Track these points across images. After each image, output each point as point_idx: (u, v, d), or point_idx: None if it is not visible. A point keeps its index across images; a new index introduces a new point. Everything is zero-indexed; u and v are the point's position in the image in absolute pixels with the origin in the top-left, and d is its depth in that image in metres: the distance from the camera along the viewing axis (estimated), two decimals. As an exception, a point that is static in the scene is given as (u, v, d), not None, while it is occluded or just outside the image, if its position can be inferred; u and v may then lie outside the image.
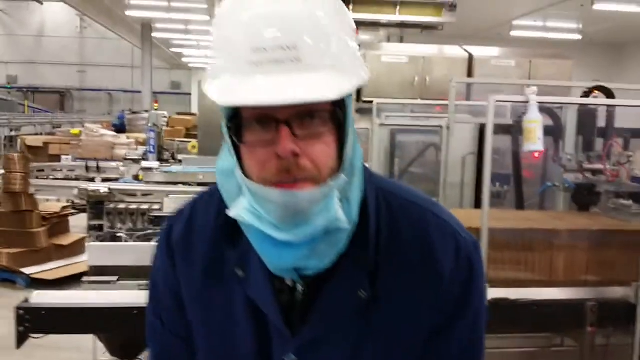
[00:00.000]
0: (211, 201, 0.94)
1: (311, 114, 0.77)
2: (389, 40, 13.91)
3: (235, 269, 0.88)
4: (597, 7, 10.34)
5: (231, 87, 0.74)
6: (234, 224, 0.85)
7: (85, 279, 3.16)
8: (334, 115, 0.79)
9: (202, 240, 0.93)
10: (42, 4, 23.88)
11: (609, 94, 3.27)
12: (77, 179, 8.91)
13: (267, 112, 0.75)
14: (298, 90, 0.72)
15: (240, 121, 0.78)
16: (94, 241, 3.57)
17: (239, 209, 0.80)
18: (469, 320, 0.92)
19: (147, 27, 16.06)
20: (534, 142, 2.63)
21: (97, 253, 3.29)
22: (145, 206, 6.98)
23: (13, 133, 13.73)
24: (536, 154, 3.74)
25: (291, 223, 0.78)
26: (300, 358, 0.87)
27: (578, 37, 13.43)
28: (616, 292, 2.91)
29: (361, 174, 0.87)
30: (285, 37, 0.73)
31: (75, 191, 7.07)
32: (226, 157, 0.84)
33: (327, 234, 0.80)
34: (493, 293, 2.60)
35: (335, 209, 0.79)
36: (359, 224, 0.86)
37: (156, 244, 1.01)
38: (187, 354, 0.98)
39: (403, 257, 0.87)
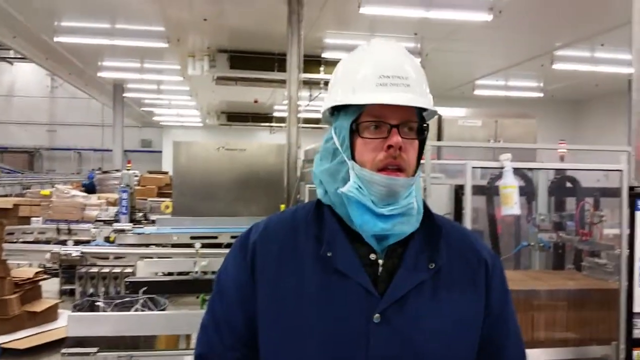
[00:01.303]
0: (282, 215, 1.24)
1: (410, 125, 1.13)
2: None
3: (325, 252, 1.12)
4: (556, 66, 10.84)
5: (367, 96, 1.11)
6: (320, 222, 1.16)
7: (64, 350, 3.09)
8: (420, 130, 1.15)
9: (279, 237, 1.18)
10: (12, 64, 23.88)
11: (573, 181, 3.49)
12: (47, 241, 8.72)
13: (382, 118, 1.11)
14: (412, 100, 1.10)
15: (359, 123, 1.13)
16: (72, 310, 3.49)
17: (349, 187, 1.11)
18: (511, 305, 1.25)
19: (119, 87, 16.14)
20: (511, 206, 2.73)
21: (77, 324, 3.23)
22: (118, 269, 6.87)
23: (-20, 195, 13.45)
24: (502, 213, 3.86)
25: (385, 201, 1.10)
26: (383, 317, 1.08)
27: (539, 95, 13.97)
28: (596, 351, 2.97)
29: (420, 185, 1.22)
30: (400, 71, 1.12)
31: (48, 255, 6.93)
32: (323, 164, 1.19)
33: (403, 215, 1.11)
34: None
35: (413, 197, 1.13)
36: (424, 219, 1.17)
37: (234, 247, 1.23)
38: (234, 342, 1.18)
39: (455, 244, 1.19)
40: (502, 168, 2.79)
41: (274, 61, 10.47)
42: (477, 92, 13.79)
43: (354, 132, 1.14)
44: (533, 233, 3.68)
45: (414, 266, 1.12)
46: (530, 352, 3.00)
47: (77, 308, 3.57)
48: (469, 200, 2.80)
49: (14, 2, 8.57)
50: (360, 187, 1.11)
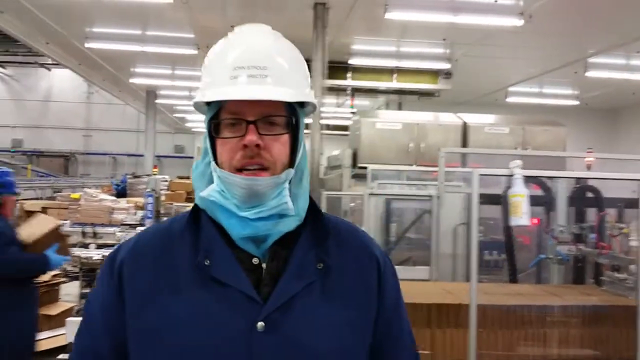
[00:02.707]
0: (157, 227, 1.15)
1: (272, 119, 1.04)
2: (387, 106, 14.12)
3: (202, 260, 1.03)
4: (590, 74, 10.53)
5: (216, 91, 1.03)
6: (196, 229, 1.08)
7: (61, 356, 3.06)
8: (289, 123, 1.06)
9: (151, 252, 1.08)
10: (49, 70, 24.49)
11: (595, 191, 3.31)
12: (74, 245, 8.81)
13: (239, 115, 1.03)
14: (263, 93, 1.01)
15: (219, 121, 1.05)
16: (75, 315, 3.46)
17: (210, 191, 1.04)
18: (403, 302, 1.21)
19: (151, 93, 16.35)
20: (520, 216, 2.58)
21: (75, 329, 3.19)
22: (139, 273, 6.87)
23: (13, 197, 13.70)
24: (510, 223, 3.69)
25: (249, 204, 1.02)
26: (268, 324, 1.00)
27: (575, 102, 13.59)
28: (612, 371, 2.79)
29: (307, 181, 1.12)
30: (258, 60, 1.03)
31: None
32: (198, 166, 1.10)
33: (280, 216, 1.04)
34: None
35: (285, 197, 1.04)
36: (312, 218, 1.10)
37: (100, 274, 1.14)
38: None
39: (345, 243, 1.13)
40: (511, 176, 2.65)
41: (300, 67, 10.43)
42: (509, 99, 13.49)
43: (214, 131, 1.06)
44: (551, 245, 3.51)
45: (300, 268, 1.05)
46: (542, 371, 2.87)
47: (80, 313, 3.54)
48: (475, 209, 2.66)
49: (46, 8, 8.75)
50: (223, 190, 1.04)
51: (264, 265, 1.05)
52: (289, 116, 1.06)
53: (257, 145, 1.02)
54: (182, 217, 1.12)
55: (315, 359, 1.03)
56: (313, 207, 1.13)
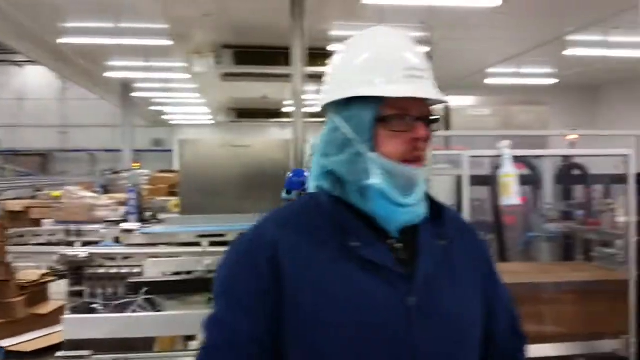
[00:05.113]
0: (291, 209, 1.22)
1: (427, 117, 1.14)
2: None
3: (352, 241, 1.11)
4: (568, 52, 10.62)
5: (395, 88, 1.11)
6: (337, 213, 1.14)
7: (59, 354, 3.03)
8: (433, 122, 1.17)
9: (297, 231, 1.14)
10: (21, 67, 24.02)
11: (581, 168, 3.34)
12: (58, 243, 8.72)
13: (406, 111, 1.12)
14: (434, 93, 1.14)
15: (388, 116, 1.13)
16: (69, 313, 3.44)
17: (376, 180, 1.11)
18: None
19: (126, 87, 16.14)
20: (510, 195, 2.60)
21: (72, 326, 3.17)
22: (125, 270, 6.82)
23: (-7, 198, 13.52)
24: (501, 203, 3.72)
25: (407, 191, 1.12)
26: (418, 299, 1.10)
27: (554, 81, 13.72)
28: (606, 345, 2.85)
29: None
30: (421, 63, 1.16)
31: (55, 257, 6.92)
32: (331, 156, 1.17)
33: (419, 203, 1.15)
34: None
35: (424, 185, 1.16)
36: (429, 202, 1.20)
37: (237, 254, 1.16)
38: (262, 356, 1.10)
39: (453, 221, 1.25)
40: (501, 156, 2.67)
41: (280, 55, 10.35)
42: (488, 80, 13.57)
43: (377, 124, 1.13)
44: (540, 224, 3.56)
45: (430, 245, 1.16)
46: (537, 348, 2.91)
47: (75, 310, 3.51)
48: (466, 191, 2.68)
49: (17, 4, 8.56)
50: (387, 179, 1.13)
51: (399, 245, 1.15)
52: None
53: (424, 140, 1.12)
54: (315, 200, 1.18)
55: (461, 326, 1.14)
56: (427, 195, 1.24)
